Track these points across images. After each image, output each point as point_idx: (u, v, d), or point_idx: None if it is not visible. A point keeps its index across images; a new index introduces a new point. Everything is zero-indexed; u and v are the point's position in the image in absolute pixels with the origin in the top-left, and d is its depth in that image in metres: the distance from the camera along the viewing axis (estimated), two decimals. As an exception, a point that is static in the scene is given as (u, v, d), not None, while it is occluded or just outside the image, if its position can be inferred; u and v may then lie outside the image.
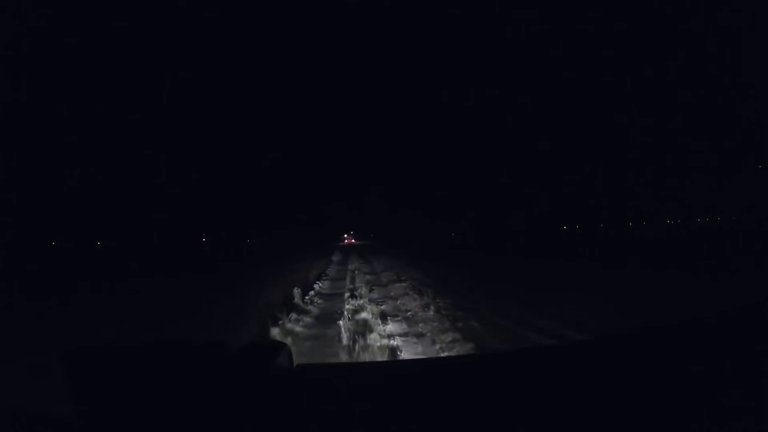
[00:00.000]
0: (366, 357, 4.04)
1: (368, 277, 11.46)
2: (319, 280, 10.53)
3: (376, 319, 5.78)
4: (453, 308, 6.21)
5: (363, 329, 5.11)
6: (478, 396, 0.92)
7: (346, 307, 6.68)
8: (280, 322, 5.37)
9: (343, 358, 4.08)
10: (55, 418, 0.86)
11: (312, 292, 8.36)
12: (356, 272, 12.60)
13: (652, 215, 38.27)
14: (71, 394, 0.84)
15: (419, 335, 4.89)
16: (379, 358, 3.97)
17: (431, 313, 5.98)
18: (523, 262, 15.18)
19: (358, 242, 53.20)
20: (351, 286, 9.41)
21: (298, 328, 5.37)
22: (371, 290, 8.74)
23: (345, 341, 4.61)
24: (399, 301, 7.15)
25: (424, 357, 3.86)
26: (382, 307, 6.66)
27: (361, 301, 7.24)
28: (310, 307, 6.91)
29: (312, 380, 1.06)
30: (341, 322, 5.40)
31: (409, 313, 6.17)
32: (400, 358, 3.99)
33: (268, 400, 0.88)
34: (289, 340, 4.34)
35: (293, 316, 5.91)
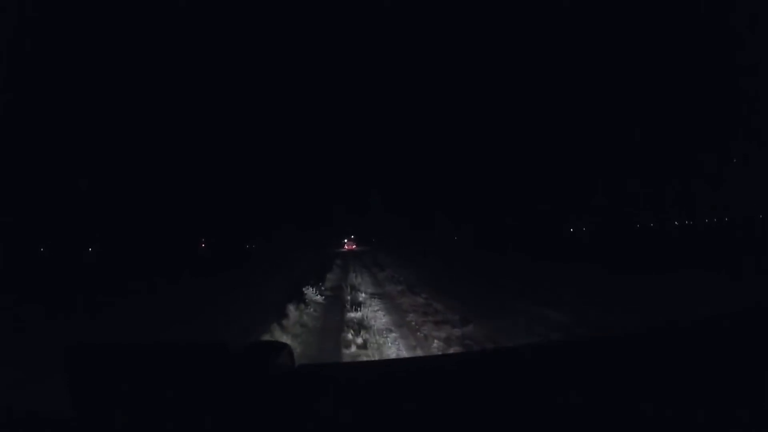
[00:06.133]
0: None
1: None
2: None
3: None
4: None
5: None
6: (482, 394, 0.91)
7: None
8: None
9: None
10: (54, 418, 0.86)
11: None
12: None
13: (661, 215, 37.85)
14: (70, 392, 0.84)
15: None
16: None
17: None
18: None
19: (359, 248, 43.36)
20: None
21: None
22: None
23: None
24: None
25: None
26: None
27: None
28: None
29: (312, 380, 1.05)
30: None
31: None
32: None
33: (268, 400, 0.87)
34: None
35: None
